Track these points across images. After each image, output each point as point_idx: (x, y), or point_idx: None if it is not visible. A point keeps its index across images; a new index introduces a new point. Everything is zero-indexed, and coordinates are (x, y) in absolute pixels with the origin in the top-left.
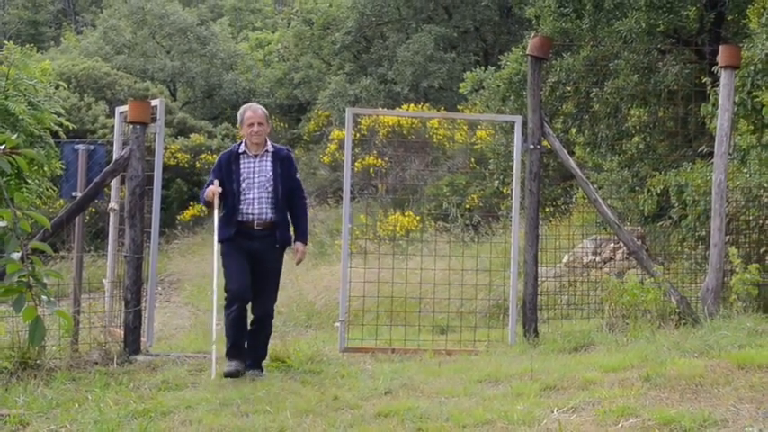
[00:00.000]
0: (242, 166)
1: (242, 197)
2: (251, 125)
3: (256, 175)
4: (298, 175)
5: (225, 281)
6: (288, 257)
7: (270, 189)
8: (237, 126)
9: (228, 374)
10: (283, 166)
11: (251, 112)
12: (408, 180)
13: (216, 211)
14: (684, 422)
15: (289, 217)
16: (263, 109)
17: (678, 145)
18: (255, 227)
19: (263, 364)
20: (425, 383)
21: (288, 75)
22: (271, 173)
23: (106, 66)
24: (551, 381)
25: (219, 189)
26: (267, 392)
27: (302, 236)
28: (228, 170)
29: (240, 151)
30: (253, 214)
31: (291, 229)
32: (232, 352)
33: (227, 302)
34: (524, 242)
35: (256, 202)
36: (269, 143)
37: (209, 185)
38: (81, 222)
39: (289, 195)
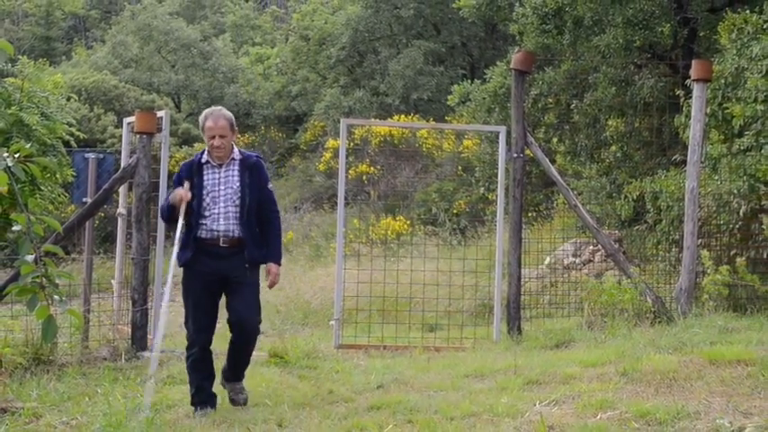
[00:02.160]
0: (205, 178)
1: (206, 212)
2: (212, 137)
3: (222, 188)
4: (270, 186)
5: (185, 318)
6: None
7: (237, 202)
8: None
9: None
10: (252, 176)
11: (211, 121)
12: (399, 187)
13: (180, 221)
14: (659, 414)
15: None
16: (228, 115)
17: (653, 153)
18: (221, 244)
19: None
20: (415, 378)
21: (286, 87)
22: (238, 183)
23: (114, 79)
24: (534, 376)
25: (189, 194)
26: (266, 387)
27: (275, 256)
28: (190, 181)
29: (203, 161)
30: (218, 231)
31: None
32: (197, 398)
33: (188, 344)
34: (508, 245)
35: (222, 218)
36: (235, 150)
37: (169, 203)
38: (91, 226)
39: (258, 209)
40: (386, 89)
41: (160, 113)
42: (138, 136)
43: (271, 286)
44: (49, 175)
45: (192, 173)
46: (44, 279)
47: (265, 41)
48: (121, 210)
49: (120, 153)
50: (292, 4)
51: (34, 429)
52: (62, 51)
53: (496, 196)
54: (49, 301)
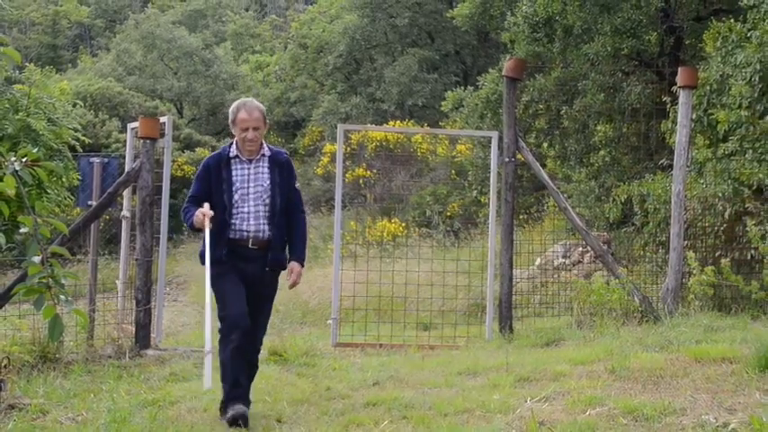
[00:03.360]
0: (234, 173)
1: (234, 210)
2: (245, 129)
3: (251, 184)
4: (297, 185)
5: (218, 307)
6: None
7: (267, 201)
8: (229, 124)
9: (234, 420)
10: (282, 174)
11: (245, 112)
12: (394, 190)
13: (207, 232)
14: (646, 410)
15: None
16: (261, 107)
17: (641, 158)
18: (250, 245)
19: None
20: (410, 375)
21: (285, 94)
22: (268, 181)
23: (119, 86)
24: (525, 373)
25: (211, 213)
26: (266, 384)
27: (299, 256)
28: (218, 178)
29: (231, 155)
30: (248, 231)
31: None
32: (234, 393)
33: (222, 333)
34: (500, 246)
35: (252, 217)
36: (265, 146)
37: (192, 201)
38: (96, 228)
39: (287, 209)
40: (382, 95)
41: (163, 119)
42: (141, 141)
43: (292, 286)
44: (55, 178)
45: (219, 166)
46: (50, 279)
47: (265, 49)
48: (125, 212)
49: (124, 157)
50: (291, 13)
51: (41, 425)
52: (68, 59)
53: (489, 199)
54: (56, 301)
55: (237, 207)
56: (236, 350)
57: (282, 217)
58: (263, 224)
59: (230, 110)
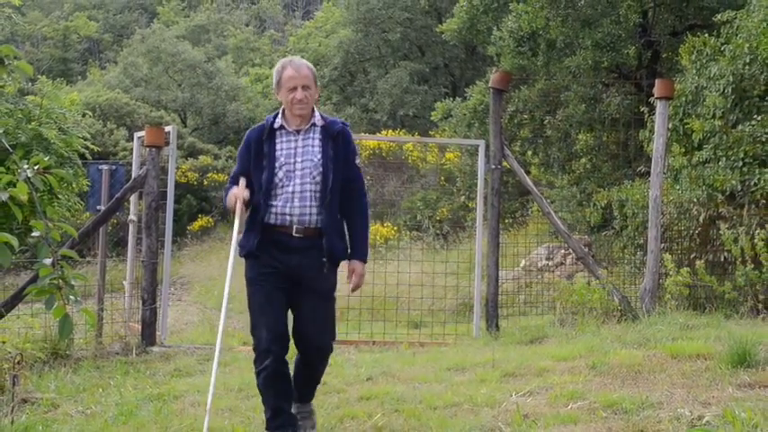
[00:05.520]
0: (278, 147)
1: (277, 190)
2: (293, 89)
3: (299, 159)
4: (358, 161)
5: (251, 322)
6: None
7: (317, 179)
8: (272, 90)
9: None
10: (337, 148)
11: (291, 69)
12: (387, 195)
13: (236, 218)
14: (625, 404)
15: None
16: (310, 65)
17: (620, 165)
18: (294, 234)
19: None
20: (402, 371)
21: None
22: (320, 156)
23: (126, 97)
24: (510, 369)
25: (247, 194)
26: None
27: (361, 251)
28: (259, 152)
29: (276, 125)
30: (292, 216)
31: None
32: (274, 422)
33: (256, 355)
34: (487, 249)
35: (297, 198)
36: (317, 114)
37: (233, 181)
38: (104, 232)
39: (343, 190)
40: (375, 106)
41: (168, 128)
42: (147, 149)
43: (354, 289)
44: (65, 185)
45: (261, 139)
46: (61, 281)
47: (264, 62)
48: (132, 217)
49: (131, 165)
50: (289, 28)
51: (52, 418)
52: (78, 72)
53: (476, 204)
54: (66, 301)
55: (282, 187)
56: (271, 378)
57: (336, 198)
58: (311, 206)
59: (274, 71)
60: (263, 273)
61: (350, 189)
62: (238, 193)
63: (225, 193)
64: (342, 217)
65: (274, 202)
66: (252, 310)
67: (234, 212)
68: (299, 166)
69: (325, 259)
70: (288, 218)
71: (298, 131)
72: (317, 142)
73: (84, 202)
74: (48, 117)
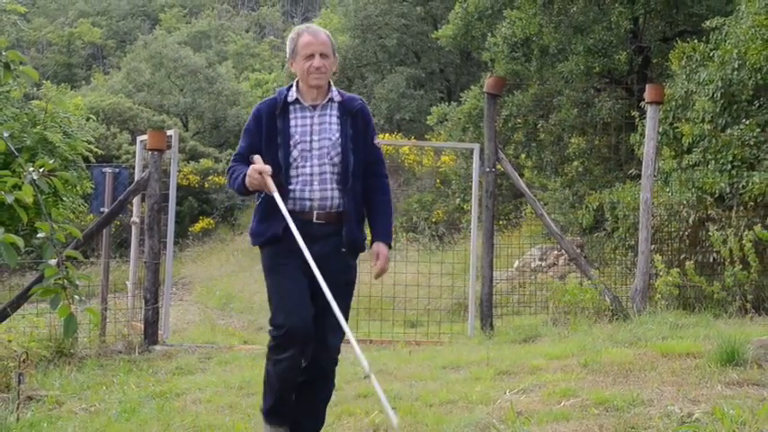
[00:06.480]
0: (293, 123)
1: (293, 171)
2: (309, 56)
3: (316, 137)
4: (377, 141)
5: (271, 307)
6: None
7: (336, 160)
8: (287, 60)
9: None
10: (356, 126)
11: (309, 35)
12: None
13: (276, 195)
14: (616, 402)
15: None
16: (328, 33)
17: (611, 168)
18: (315, 220)
19: None
20: (398, 369)
21: None
22: (338, 134)
23: (129, 101)
24: (504, 367)
25: (269, 169)
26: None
27: (385, 235)
28: (271, 128)
29: (290, 99)
30: (311, 200)
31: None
32: (274, 413)
33: (275, 344)
34: (481, 250)
35: (317, 181)
36: (334, 89)
37: (238, 159)
38: (108, 233)
39: (364, 172)
40: (372, 110)
41: (170, 132)
42: (149, 152)
43: (379, 275)
44: (70, 187)
45: (274, 115)
46: (66, 281)
47: (264, 68)
48: (135, 218)
49: (133, 168)
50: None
51: (57, 415)
52: (82, 77)
53: (471, 206)
54: (70, 301)
55: (298, 167)
56: (287, 371)
57: (358, 182)
58: (332, 190)
59: (288, 40)
60: (286, 259)
61: (370, 171)
62: (261, 168)
63: (230, 175)
64: (363, 203)
65: (291, 186)
66: (273, 297)
67: (266, 190)
68: (315, 145)
69: (344, 249)
70: (308, 203)
71: (314, 107)
72: (334, 119)
73: (88, 204)
74: (52, 121)
